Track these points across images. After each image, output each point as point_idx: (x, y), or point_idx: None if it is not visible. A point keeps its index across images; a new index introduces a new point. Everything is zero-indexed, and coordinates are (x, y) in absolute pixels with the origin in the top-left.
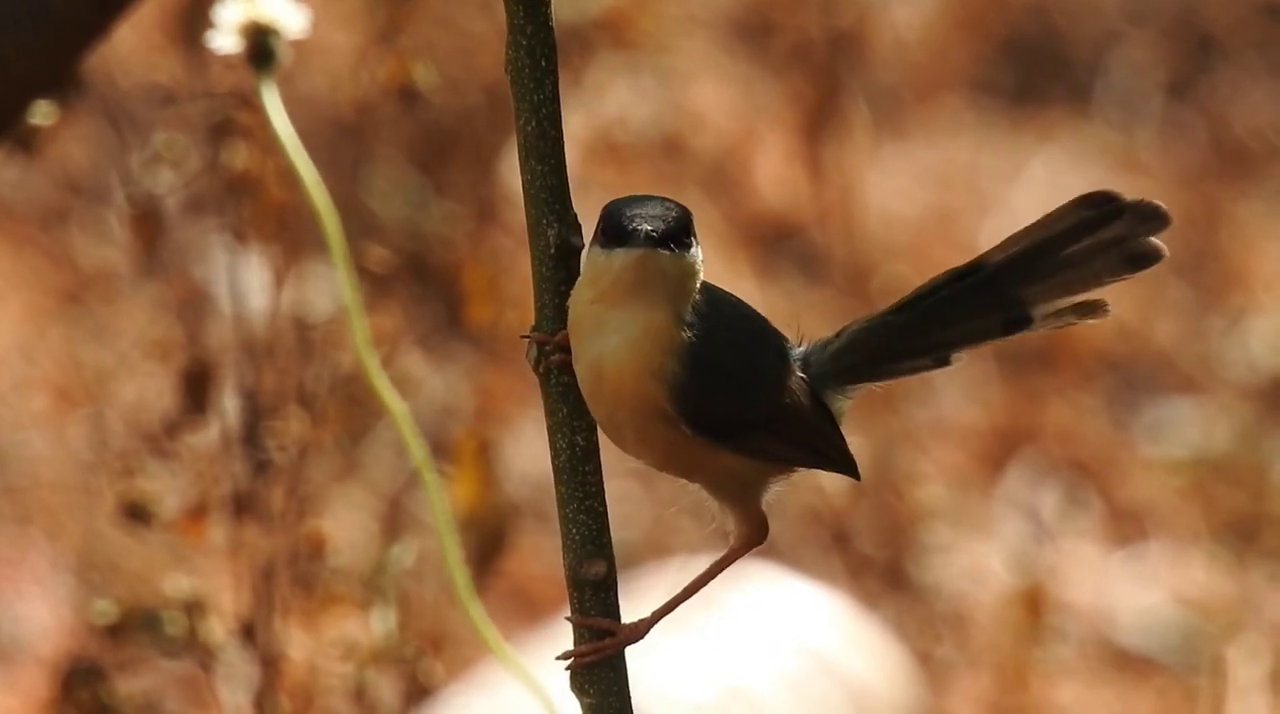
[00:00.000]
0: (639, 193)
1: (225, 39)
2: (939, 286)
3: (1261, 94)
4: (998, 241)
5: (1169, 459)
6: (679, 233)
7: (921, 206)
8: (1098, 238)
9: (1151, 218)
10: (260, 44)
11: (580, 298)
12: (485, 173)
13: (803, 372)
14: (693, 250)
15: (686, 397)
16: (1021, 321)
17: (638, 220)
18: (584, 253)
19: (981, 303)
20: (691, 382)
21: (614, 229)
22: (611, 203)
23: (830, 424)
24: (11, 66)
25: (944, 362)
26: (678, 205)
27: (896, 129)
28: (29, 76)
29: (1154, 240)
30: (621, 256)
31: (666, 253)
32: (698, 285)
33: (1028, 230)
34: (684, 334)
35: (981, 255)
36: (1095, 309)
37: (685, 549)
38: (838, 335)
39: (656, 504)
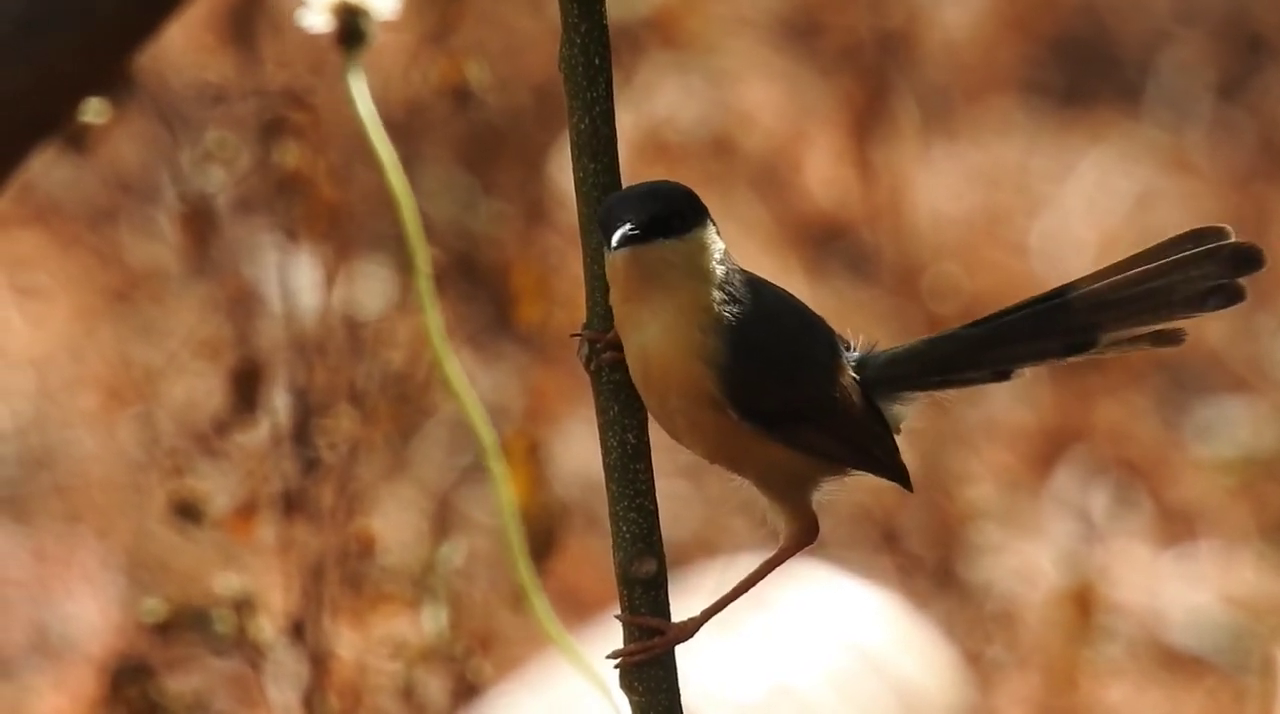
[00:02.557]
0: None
1: (316, 18)
2: (1022, 307)
3: None
4: (1048, 243)
5: (1219, 459)
6: (666, 218)
7: (971, 207)
8: (1188, 274)
9: (1249, 260)
10: (350, 24)
11: (615, 298)
12: (534, 172)
13: (857, 373)
14: (692, 231)
15: (732, 378)
16: (1086, 345)
17: (619, 219)
18: None
19: (1054, 324)
20: (736, 362)
21: (603, 230)
22: (608, 197)
23: (883, 427)
24: (59, 66)
25: (1004, 376)
26: (669, 188)
27: (946, 129)
28: (77, 76)
29: (1240, 282)
30: (614, 258)
31: (653, 244)
32: (716, 260)
33: (1125, 261)
34: (724, 314)
35: (1073, 281)
36: (1172, 338)
37: (735, 548)
38: (898, 347)
39: (707, 503)
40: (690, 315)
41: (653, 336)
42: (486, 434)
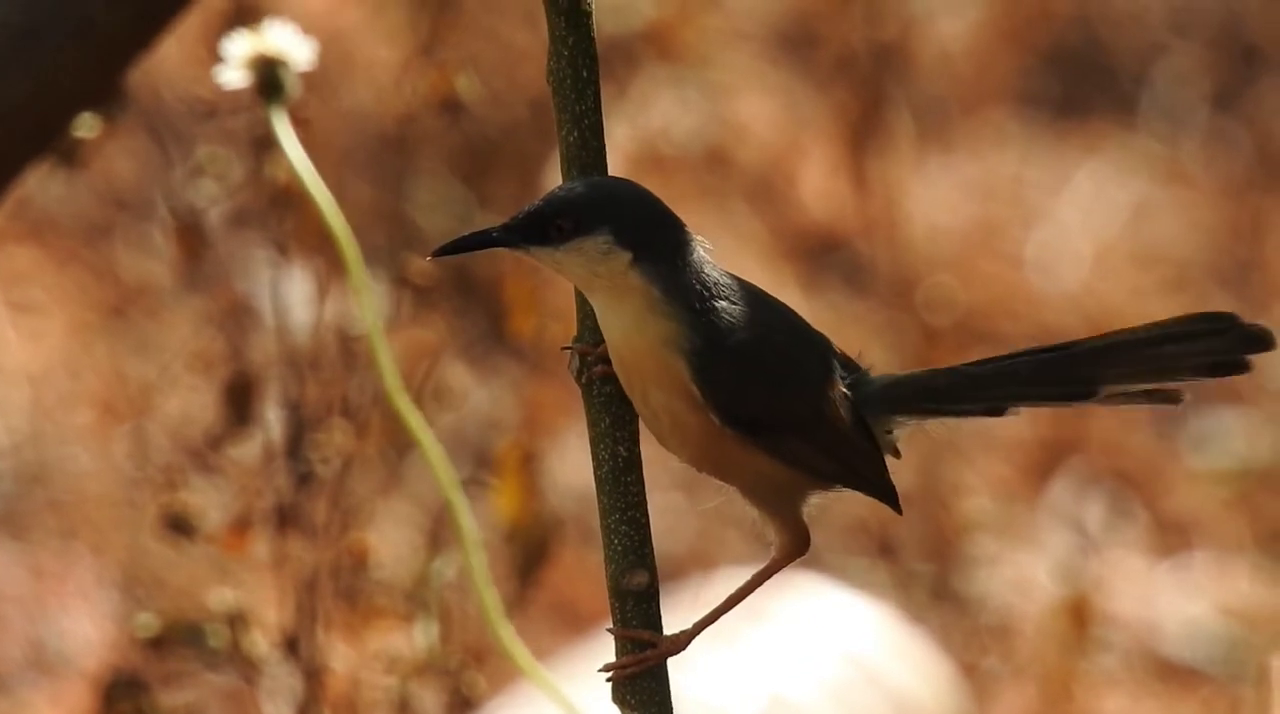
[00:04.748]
0: (681, 204)
1: (232, 73)
2: (1027, 352)
3: None
4: (1043, 254)
5: (1214, 470)
6: (537, 228)
7: (966, 219)
8: (1197, 345)
9: (1258, 341)
10: (269, 77)
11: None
12: (528, 185)
13: (852, 391)
14: (567, 244)
15: (708, 371)
16: (1085, 396)
17: (508, 221)
18: None
19: (1056, 372)
20: (710, 353)
21: None
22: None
23: (872, 446)
24: (56, 81)
25: (998, 412)
26: (575, 191)
27: (941, 141)
28: (73, 91)
29: (1246, 358)
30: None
31: (534, 252)
32: (618, 267)
33: (1131, 330)
34: (684, 303)
35: (1078, 340)
36: (1170, 398)
37: (729, 561)
38: (899, 373)
39: (700, 516)
40: (636, 306)
41: (615, 329)
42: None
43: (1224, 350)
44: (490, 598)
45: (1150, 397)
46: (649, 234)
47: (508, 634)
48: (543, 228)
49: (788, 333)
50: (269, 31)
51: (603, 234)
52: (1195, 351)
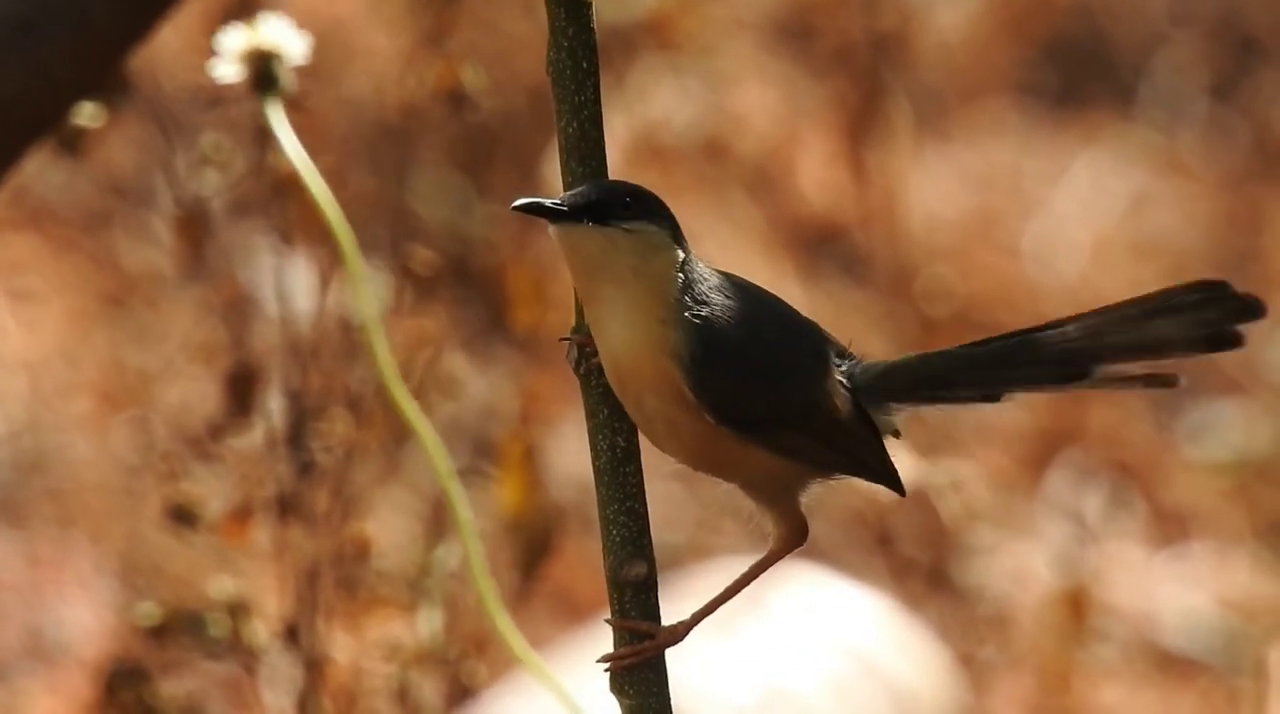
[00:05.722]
0: (679, 194)
1: (226, 68)
2: (1018, 333)
3: None
4: (1041, 245)
5: (1212, 461)
6: (602, 205)
7: (964, 209)
8: (1188, 317)
9: (1250, 310)
10: (264, 70)
11: (581, 295)
12: (528, 175)
13: (847, 381)
14: (635, 223)
15: (701, 375)
16: (1080, 376)
17: (563, 199)
18: None
19: (1050, 352)
20: (704, 358)
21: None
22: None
23: (872, 433)
24: (53, 70)
25: (993, 398)
26: (621, 186)
27: (939, 131)
28: (71, 80)
29: (1239, 329)
30: (556, 242)
31: (580, 226)
32: (670, 262)
33: (1128, 301)
34: (686, 309)
35: (1068, 317)
36: (1166, 381)
37: (727, 551)
38: (892, 360)
39: (699, 506)
40: (648, 310)
41: (615, 335)
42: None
43: (1215, 321)
44: (488, 587)
45: (1147, 381)
46: (684, 241)
47: (505, 623)
48: (608, 208)
49: (779, 327)
50: (264, 25)
51: (665, 228)
52: (1187, 323)
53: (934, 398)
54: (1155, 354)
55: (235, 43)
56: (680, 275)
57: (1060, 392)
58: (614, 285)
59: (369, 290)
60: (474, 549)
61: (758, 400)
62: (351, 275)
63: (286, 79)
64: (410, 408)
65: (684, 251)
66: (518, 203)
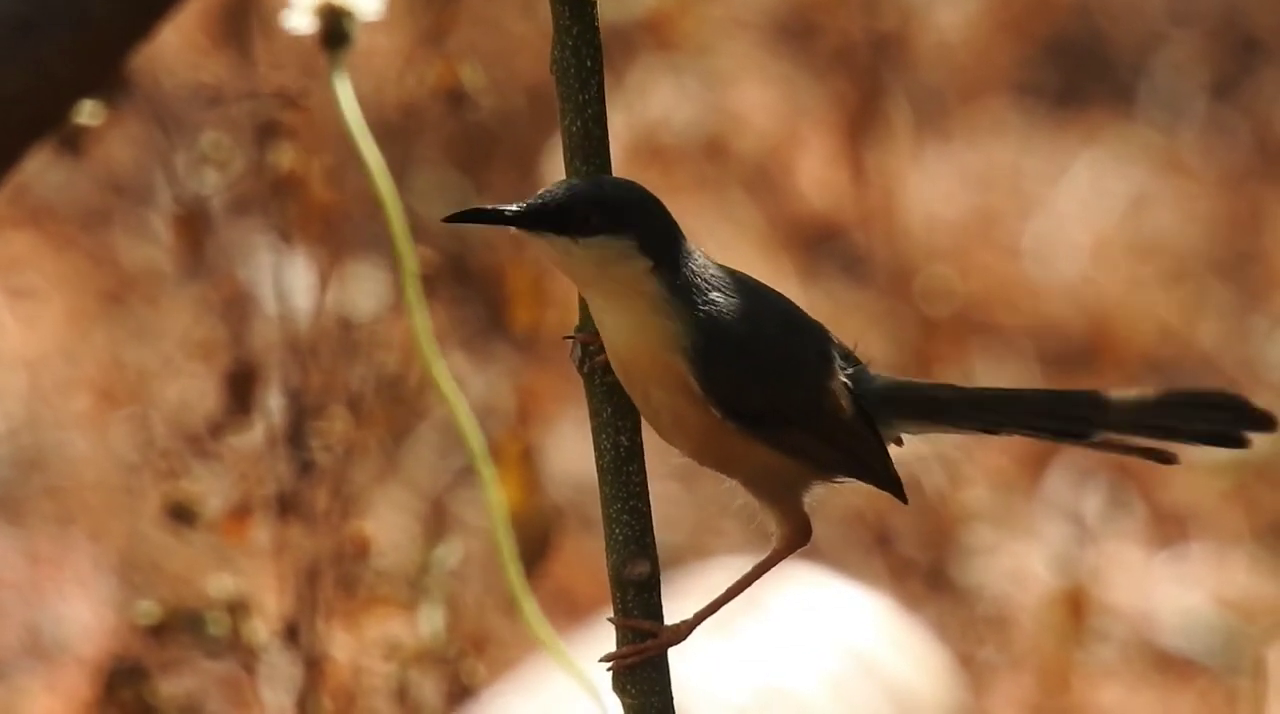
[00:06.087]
0: (679, 193)
1: (299, 19)
2: (1027, 391)
3: None
4: (1041, 244)
5: (1211, 462)
6: (562, 216)
7: (964, 208)
8: (1200, 417)
9: (1261, 422)
10: (334, 26)
11: (579, 288)
12: (527, 174)
13: (851, 382)
14: (588, 240)
15: (708, 368)
16: (1079, 436)
17: (526, 202)
18: None
19: (1057, 411)
20: (711, 350)
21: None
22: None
23: (874, 435)
24: (54, 69)
25: (993, 432)
26: (601, 187)
27: (939, 130)
28: (71, 79)
29: (1247, 436)
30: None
31: (549, 241)
32: (631, 272)
33: (1145, 390)
34: (685, 303)
35: (1089, 390)
36: (1165, 458)
37: (729, 550)
38: (900, 379)
39: (700, 506)
40: (637, 308)
41: (615, 329)
42: (476, 441)
43: (1228, 424)
44: (514, 569)
45: (1145, 453)
46: (665, 242)
47: (531, 608)
48: (565, 218)
49: (785, 324)
50: None
51: (628, 238)
52: (1198, 420)
53: (935, 423)
54: (1159, 439)
55: None
56: (656, 278)
57: (1057, 442)
58: (590, 288)
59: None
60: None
61: (762, 393)
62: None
63: (356, 35)
64: (449, 387)
65: (662, 256)
66: (450, 215)
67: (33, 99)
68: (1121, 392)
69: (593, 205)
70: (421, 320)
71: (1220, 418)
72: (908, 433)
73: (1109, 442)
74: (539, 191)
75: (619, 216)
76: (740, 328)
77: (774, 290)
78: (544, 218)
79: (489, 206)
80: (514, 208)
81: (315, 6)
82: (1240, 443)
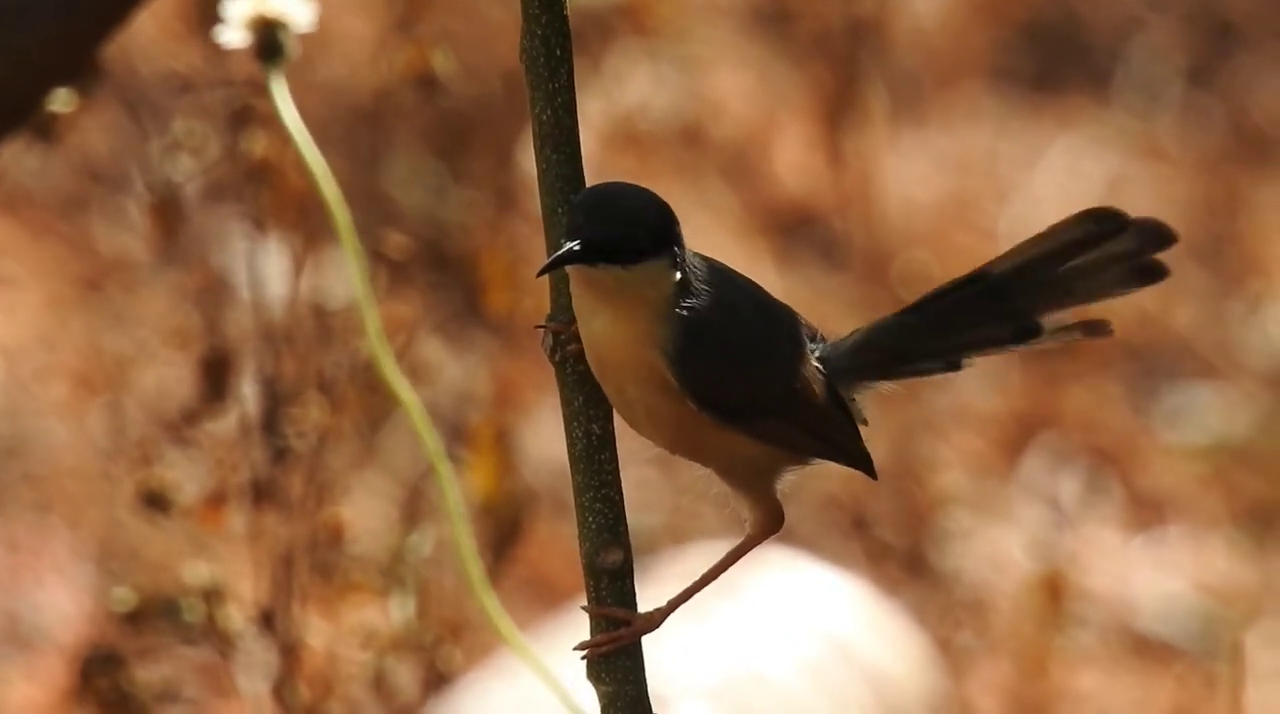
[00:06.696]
0: (656, 180)
1: (233, 33)
2: (944, 292)
3: None
4: (1018, 228)
5: (1189, 445)
6: (616, 243)
7: (941, 193)
8: (1104, 251)
9: (1158, 236)
10: (269, 38)
11: (574, 283)
12: (504, 160)
13: (820, 365)
14: (643, 262)
15: (686, 365)
16: (1031, 330)
17: (582, 226)
18: None
19: (987, 310)
20: (690, 349)
21: (567, 229)
22: (587, 190)
23: (846, 416)
24: (30, 55)
25: (955, 366)
26: (643, 207)
27: (916, 116)
28: (48, 65)
29: (1159, 258)
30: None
31: (595, 268)
32: (667, 287)
33: (1031, 241)
34: (677, 304)
35: (985, 264)
36: (1099, 329)
37: (704, 536)
38: (852, 334)
39: (675, 491)
40: (640, 314)
41: (600, 327)
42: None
43: (1132, 253)
44: (475, 567)
45: (1084, 330)
46: (683, 254)
47: (492, 603)
48: (617, 249)
49: (758, 313)
50: None
51: (666, 258)
52: (1110, 257)
53: (898, 373)
54: (1091, 296)
55: (241, 9)
56: (672, 288)
57: (1016, 348)
58: (608, 297)
59: (360, 265)
60: (461, 530)
61: (740, 387)
62: (345, 250)
63: (291, 48)
64: (401, 385)
65: (682, 268)
66: (542, 267)
67: (12, 87)
68: (1019, 253)
69: (641, 233)
70: (372, 320)
71: (1120, 246)
72: (875, 390)
73: (1058, 329)
74: (578, 211)
75: (662, 238)
76: (718, 323)
77: (745, 278)
78: (601, 252)
79: (561, 251)
80: (575, 246)
81: (248, 20)
82: (1159, 273)
